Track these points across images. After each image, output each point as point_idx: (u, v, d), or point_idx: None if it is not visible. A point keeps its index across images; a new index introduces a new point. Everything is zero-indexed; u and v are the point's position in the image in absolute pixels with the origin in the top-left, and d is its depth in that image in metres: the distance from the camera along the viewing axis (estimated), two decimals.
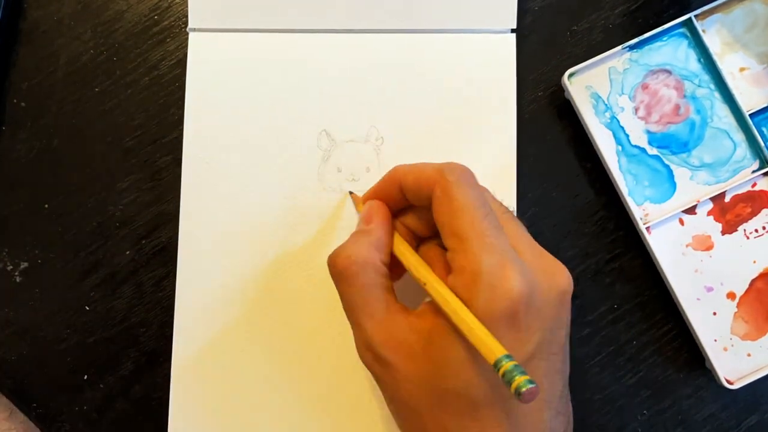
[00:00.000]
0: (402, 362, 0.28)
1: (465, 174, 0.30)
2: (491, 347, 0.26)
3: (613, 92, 0.39)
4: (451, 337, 0.27)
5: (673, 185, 0.38)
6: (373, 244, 0.30)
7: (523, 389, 0.24)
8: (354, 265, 0.29)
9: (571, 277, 0.30)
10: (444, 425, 0.28)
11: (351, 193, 0.38)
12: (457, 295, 0.27)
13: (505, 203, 0.38)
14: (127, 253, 0.39)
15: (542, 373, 0.28)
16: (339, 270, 0.30)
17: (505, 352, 0.25)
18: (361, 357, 0.30)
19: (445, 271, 0.29)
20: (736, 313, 0.38)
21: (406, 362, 0.28)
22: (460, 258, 0.28)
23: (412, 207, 0.32)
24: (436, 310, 0.29)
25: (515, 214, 0.38)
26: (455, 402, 0.28)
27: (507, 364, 0.25)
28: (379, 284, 0.30)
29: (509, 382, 0.25)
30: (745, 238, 0.38)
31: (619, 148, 0.39)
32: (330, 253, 0.31)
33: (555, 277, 0.29)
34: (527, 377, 0.24)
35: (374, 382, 0.31)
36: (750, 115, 0.38)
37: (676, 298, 0.37)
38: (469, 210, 0.28)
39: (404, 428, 0.30)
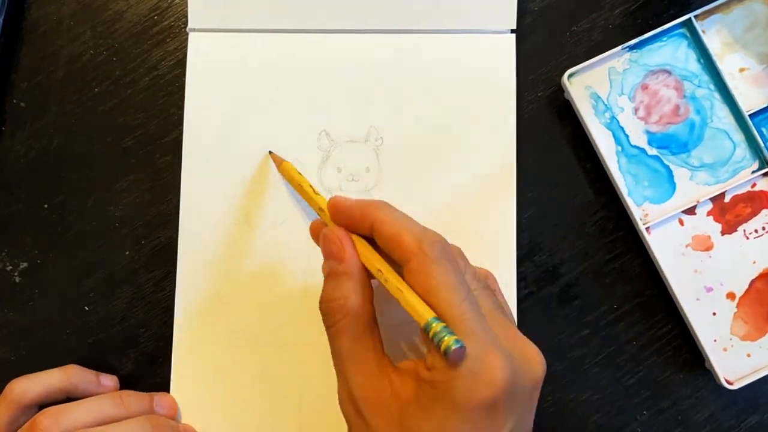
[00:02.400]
0: (378, 423, 0.28)
1: (445, 249, 0.28)
2: (421, 312, 0.27)
3: (612, 92, 0.39)
4: (422, 410, 0.27)
5: (673, 185, 0.38)
6: (358, 287, 0.29)
7: (453, 347, 0.25)
8: (347, 315, 0.29)
9: (545, 363, 0.29)
10: None
11: (270, 152, 0.38)
12: (434, 380, 0.27)
13: (505, 203, 0.38)
14: (127, 253, 0.39)
15: None
16: (333, 321, 0.29)
17: (433, 316, 0.26)
18: (341, 404, 0.30)
19: None
20: (735, 313, 0.38)
21: (381, 423, 0.28)
22: None
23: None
24: (413, 373, 0.28)
25: (515, 224, 0.38)
26: None
27: (436, 326, 0.26)
28: (370, 333, 0.30)
29: (439, 343, 0.26)
30: (745, 239, 0.38)
31: (619, 148, 0.39)
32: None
33: (531, 364, 0.29)
34: (455, 337, 0.25)
35: None
36: (750, 115, 0.38)
37: (676, 299, 0.37)
38: (448, 290, 0.27)
39: None
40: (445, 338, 0.25)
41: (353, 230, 0.31)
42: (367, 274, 0.30)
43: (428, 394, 0.27)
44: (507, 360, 0.27)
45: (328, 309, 0.30)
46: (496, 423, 0.27)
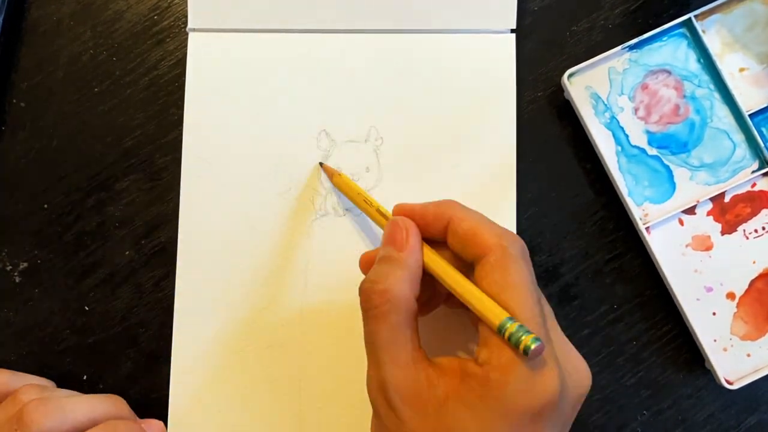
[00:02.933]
0: (411, 416, 0.27)
1: (523, 249, 0.29)
2: (495, 311, 0.27)
3: (612, 92, 0.39)
4: (467, 407, 0.27)
5: (673, 185, 0.38)
6: (408, 279, 0.29)
7: (532, 346, 0.25)
8: (389, 302, 0.28)
9: (591, 376, 0.29)
10: None
11: (322, 164, 0.38)
12: (488, 376, 0.26)
13: (505, 203, 0.38)
14: (127, 253, 0.39)
15: None
16: (373, 305, 0.28)
17: (508, 315, 0.26)
18: (371, 393, 0.29)
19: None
20: (735, 313, 0.38)
21: (414, 416, 0.27)
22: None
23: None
24: (456, 369, 0.28)
25: (515, 224, 0.38)
26: None
27: (511, 326, 0.26)
28: (409, 325, 0.29)
29: (517, 343, 0.25)
30: (745, 239, 0.38)
31: (619, 148, 0.39)
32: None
33: (580, 377, 0.29)
34: (533, 335, 0.25)
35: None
36: (749, 115, 0.38)
37: (676, 299, 0.37)
38: (524, 290, 0.27)
39: None
40: (523, 337, 0.25)
41: (425, 230, 0.31)
42: (423, 273, 0.30)
43: (476, 391, 0.27)
44: (559, 373, 0.27)
45: (371, 291, 0.29)
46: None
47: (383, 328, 0.28)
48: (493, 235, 0.28)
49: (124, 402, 0.36)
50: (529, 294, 0.27)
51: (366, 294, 0.29)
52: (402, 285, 0.29)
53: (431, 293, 0.32)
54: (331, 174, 0.38)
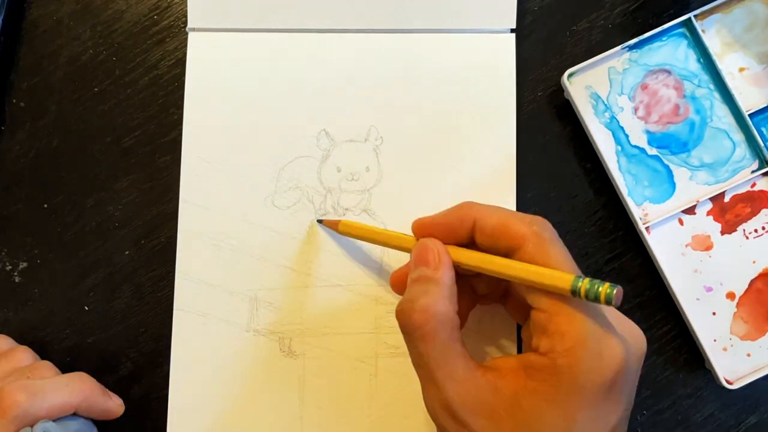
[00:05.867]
0: (485, 425, 0.27)
1: (554, 230, 0.29)
2: (562, 275, 0.27)
3: (612, 92, 0.39)
4: (543, 399, 0.26)
5: (673, 185, 0.38)
6: (446, 296, 0.29)
7: (614, 291, 0.25)
8: (433, 320, 0.28)
9: (645, 339, 0.29)
10: None
11: (320, 221, 0.38)
12: (556, 364, 0.26)
13: (505, 203, 0.38)
14: (127, 253, 0.39)
15: None
16: (417, 326, 0.28)
17: (573, 275, 0.26)
18: (435, 416, 0.29)
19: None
20: (735, 313, 0.38)
21: (489, 424, 0.27)
22: (560, 321, 0.27)
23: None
24: (516, 367, 0.28)
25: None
26: None
27: (584, 283, 0.26)
28: (457, 338, 0.29)
29: (596, 296, 0.25)
30: (745, 238, 0.38)
31: (619, 148, 0.39)
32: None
33: (637, 342, 0.29)
34: (608, 284, 0.25)
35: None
36: (749, 115, 0.38)
37: (676, 298, 0.37)
38: (569, 264, 0.27)
39: None
40: (599, 288, 0.25)
41: (452, 237, 0.30)
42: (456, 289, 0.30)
43: (548, 381, 0.27)
44: (622, 340, 0.27)
45: (411, 311, 0.28)
46: (614, 403, 0.27)
47: (433, 347, 0.28)
48: (523, 224, 0.28)
49: (91, 378, 0.36)
50: (574, 267, 0.28)
51: (406, 314, 0.29)
52: (443, 301, 0.29)
53: (465, 302, 0.32)
54: (335, 225, 0.37)
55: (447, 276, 0.29)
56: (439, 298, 0.29)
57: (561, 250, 0.28)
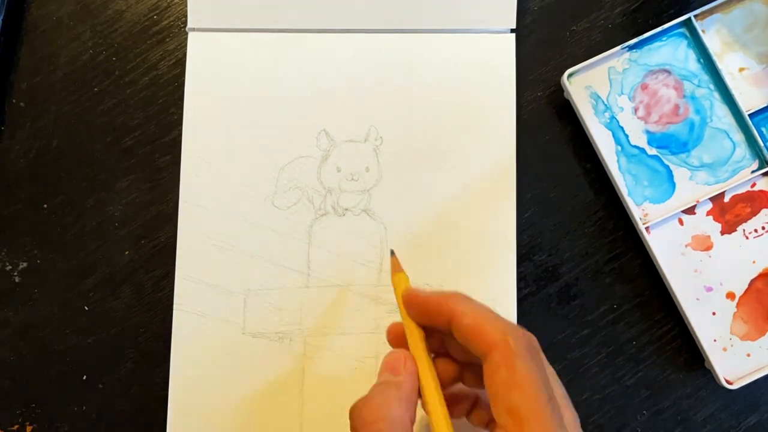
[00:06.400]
0: None
1: (530, 344, 0.27)
2: None
3: (612, 92, 0.39)
4: None
5: (673, 185, 0.38)
6: (404, 401, 0.28)
7: None
8: (382, 422, 0.27)
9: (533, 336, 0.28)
10: None
11: (393, 252, 0.35)
12: None
13: (505, 203, 0.38)
14: (126, 253, 0.39)
15: None
16: (365, 422, 0.27)
17: None
18: None
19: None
20: (735, 313, 0.38)
21: None
22: None
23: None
24: None
25: (515, 224, 0.38)
26: None
27: None
28: None
29: None
30: (745, 238, 0.38)
31: (619, 148, 0.39)
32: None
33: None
34: None
35: None
36: (749, 115, 0.38)
37: (676, 298, 0.37)
38: (532, 389, 0.26)
39: None
40: None
41: (428, 323, 0.30)
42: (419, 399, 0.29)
43: None
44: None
45: (361, 407, 0.28)
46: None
47: None
48: (496, 331, 0.27)
49: None
50: (538, 392, 0.26)
51: (356, 414, 0.28)
52: (395, 406, 0.28)
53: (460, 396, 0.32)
54: (395, 270, 0.34)
55: (407, 381, 0.29)
56: (393, 402, 0.28)
57: (530, 366, 0.26)
